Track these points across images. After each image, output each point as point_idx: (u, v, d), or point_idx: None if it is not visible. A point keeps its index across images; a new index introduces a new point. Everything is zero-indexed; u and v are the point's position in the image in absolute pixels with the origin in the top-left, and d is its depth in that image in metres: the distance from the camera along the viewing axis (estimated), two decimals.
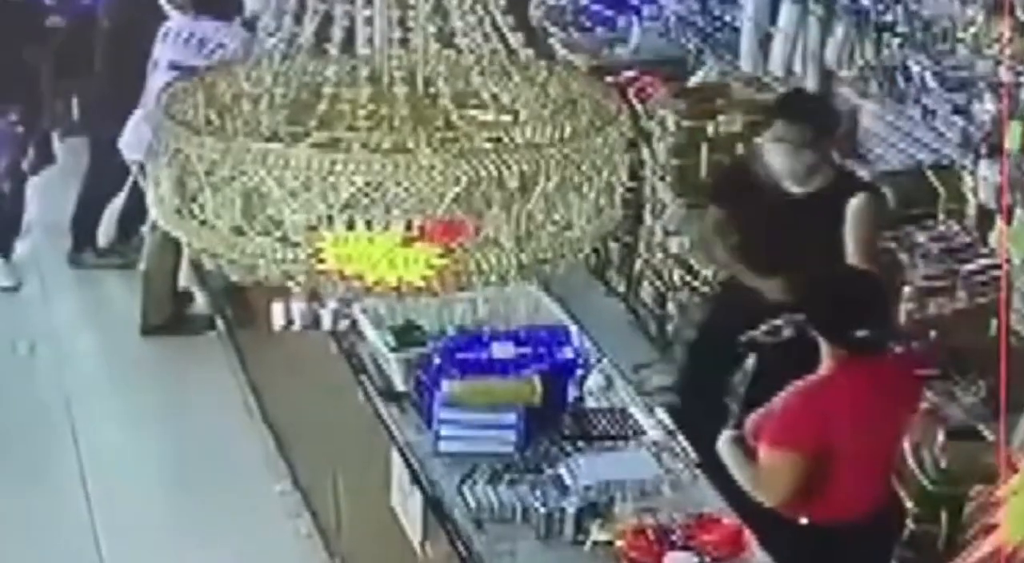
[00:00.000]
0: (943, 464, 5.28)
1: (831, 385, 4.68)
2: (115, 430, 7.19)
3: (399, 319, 5.31)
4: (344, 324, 5.50)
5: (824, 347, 4.68)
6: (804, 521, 4.75)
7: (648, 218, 7.67)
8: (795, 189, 5.87)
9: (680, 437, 4.98)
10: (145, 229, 8.04)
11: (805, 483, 4.63)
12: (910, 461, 5.37)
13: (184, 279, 8.10)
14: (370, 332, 5.33)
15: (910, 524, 5.36)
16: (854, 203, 5.76)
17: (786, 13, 7.40)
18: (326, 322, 5.56)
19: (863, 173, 6.56)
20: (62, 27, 9.58)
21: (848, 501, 4.73)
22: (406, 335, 5.24)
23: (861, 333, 4.63)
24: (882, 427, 4.77)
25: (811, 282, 4.98)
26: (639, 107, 7.57)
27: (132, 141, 7.69)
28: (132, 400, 7.47)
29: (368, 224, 3.16)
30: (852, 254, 5.71)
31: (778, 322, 4.87)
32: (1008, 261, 5.97)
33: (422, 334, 5.25)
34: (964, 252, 6.12)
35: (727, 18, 8.06)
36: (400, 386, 5.15)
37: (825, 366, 4.69)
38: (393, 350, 5.18)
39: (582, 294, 5.93)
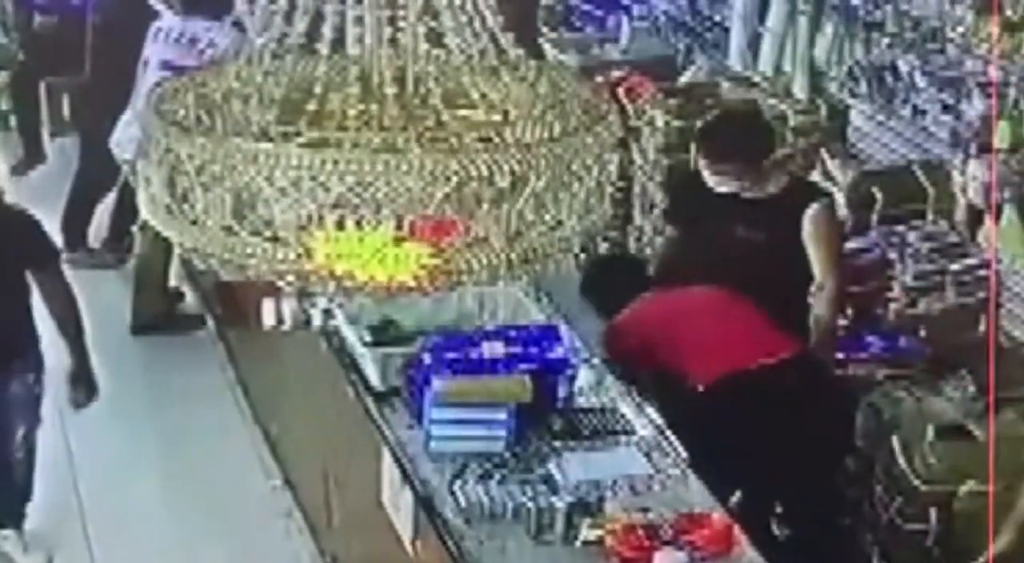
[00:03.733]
0: (932, 462, 5.29)
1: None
2: (105, 428, 7.17)
3: (377, 316, 5.32)
4: (334, 323, 5.51)
5: None
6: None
7: (638, 217, 7.68)
8: (747, 194, 5.81)
9: (670, 434, 4.99)
10: (135, 228, 8.04)
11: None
12: (900, 460, 5.38)
13: (174, 278, 8.11)
14: (346, 329, 5.34)
15: (899, 522, 5.38)
16: (811, 210, 5.71)
17: (775, 12, 7.42)
18: (316, 321, 5.56)
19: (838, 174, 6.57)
20: (52, 26, 9.60)
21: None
22: (383, 332, 5.25)
23: None
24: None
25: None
26: (629, 106, 7.57)
27: (123, 140, 7.69)
28: (122, 398, 7.45)
29: (358, 223, 3.17)
30: (816, 260, 5.68)
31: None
32: (997, 260, 5.99)
33: (399, 331, 5.26)
34: (953, 250, 6.14)
35: (716, 17, 8.08)
36: (377, 384, 5.15)
37: None
38: (368, 346, 5.19)
39: (572, 292, 5.93)
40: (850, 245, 6.16)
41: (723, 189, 5.80)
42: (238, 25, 7.27)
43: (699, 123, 6.52)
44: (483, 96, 3.48)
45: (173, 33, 7.65)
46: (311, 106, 3.34)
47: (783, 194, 5.81)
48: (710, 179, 5.82)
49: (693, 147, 6.41)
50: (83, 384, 6.08)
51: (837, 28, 6.98)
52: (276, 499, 6.57)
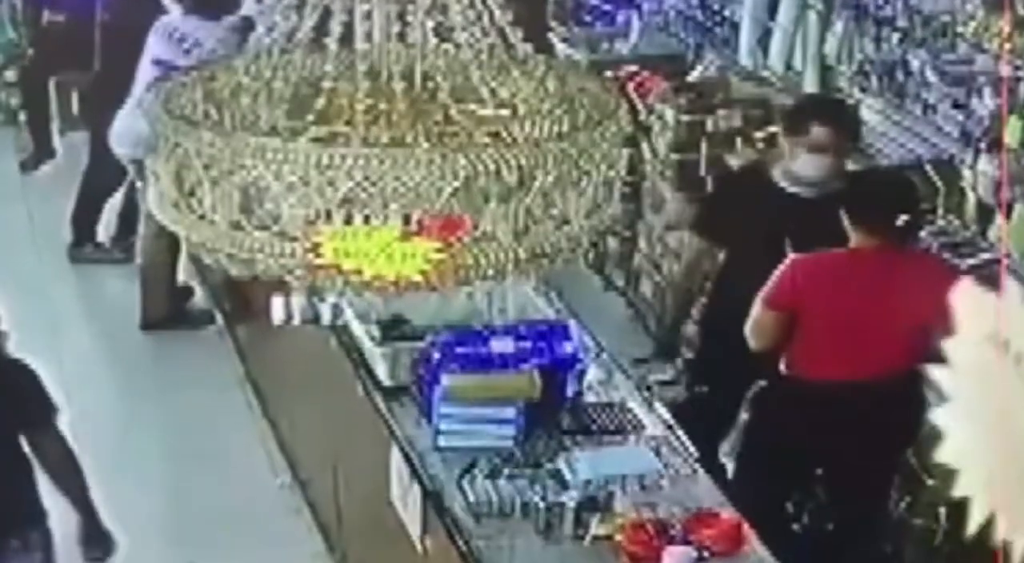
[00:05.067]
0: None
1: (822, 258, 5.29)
2: (114, 424, 7.19)
3: (387, 313, 5.32)
4: (343, 319, 5.51)
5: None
6: (783, 370, 5.34)
7: (648, 213, 7.68)
8: (806, 194, 5.73)
9: (679, 432, 4.99)
10: (141, 223, 8.05)
11: (783, 336, 5.28)
12: (910, 457, 5.37)
13: (184, 274, 8.12)
14: (356, 325, 5.34)
15: (909, 519, 5.37)
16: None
17: (785, 8, 7.41)
18: (325, 317, 5.57)
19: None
20: (61, 22, 9.61)
21: (820, 360, 5.26)
22: (392, 329, 5.25)
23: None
24: (867, 304, 5.15)
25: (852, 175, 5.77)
26: (638, 102, 7.57)
27: (121, 133, 7.71)
28: (131, 394, 7.48)
29: (366, 219, 3.17)
30: None
31: None
32: (1007, 256, 5.97)
33: (409, 328, 5.26)
34: (963, 247, 6.12)
35: (726, 13, 8.06)
36: (386, 380, 5.15)
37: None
38: (378, 343, 5.19)
39: (581, 289, 5.93)
40: None
41: (811, 171, 5.70)
42: (245, 24, 7.31)
43: None
44: (492, 92, 3.47)
45: (168, 30, 7.70)
46: (319, 102, 3.33)
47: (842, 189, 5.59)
48: (805, 161, 5.70)
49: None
50: (97, 542, 5.35)
51: (847, 24, 6.96)
52: (285, 495, 6.57)
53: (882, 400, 5.18)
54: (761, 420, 5.59)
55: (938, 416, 1.96)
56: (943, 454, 1.97)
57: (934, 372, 1.94)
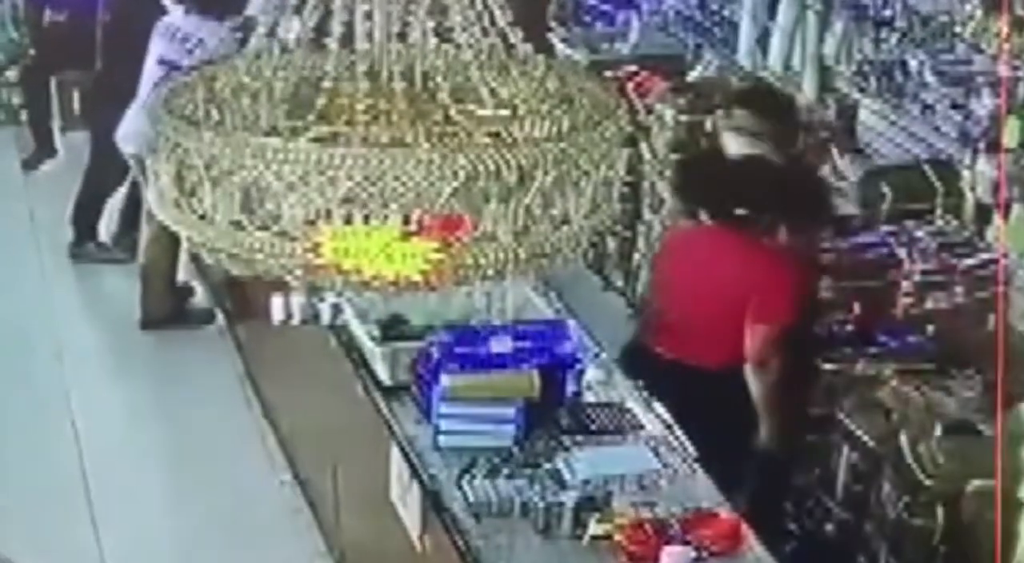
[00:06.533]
0: (939, 459, 5.28)
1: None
2: (115, 423, 7.20)
3: (386, 312, 5.32)
4: (342, 318, 5.52)
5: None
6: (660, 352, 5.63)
7: (647, 213, 7.68)
8: None
9: (678, 431, 5.00)
10: (143, 223, 8.06)
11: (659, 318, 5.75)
12: (907, 456, 5.38)
13: (184, 273, 8.13)
14: (355, 325, 5.35)
15: (906, 519, 5.37)
16: None
17: (784, 9, 7.41)
18: (325, 316, 5.57)
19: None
20: (63, 21, 9.62)
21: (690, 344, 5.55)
22: (392, 328, 5.26)
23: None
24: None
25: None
26: (638, 102, 7.57)
27: (129, 133, 7.73)
28: (132, 393, 7.49)
29: (366, 218, 3.17)
30: None
31: None
32: (1005, 256, 5.98)
33: (408, 327, 5.27)
34: (962, 247, 6.13)
35: (726, 13, 8.07)
36: (386, 380, 5.16)
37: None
38: (377, 342, 5.20)
39: (580, 289, 5.96)
40: (858, 241, 6.16)
41: (733, 150, 6.08)
42: (246, 23, 7.33)
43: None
44: (492, 92, 3.48)
45: (171, 30, 7.72)
46: (320, 101, 3.34)
47: None
48: (728, 138, 6.15)
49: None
50: None
51: (846, 24, 6.97)
52: (284, 494, 6.58)
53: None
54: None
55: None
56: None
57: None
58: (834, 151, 6.80)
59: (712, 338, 5.52)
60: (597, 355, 5.31)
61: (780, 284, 5.46)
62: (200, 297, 8.22)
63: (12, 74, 10.65)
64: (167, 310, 8.04)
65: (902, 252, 6.11)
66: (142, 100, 7.48)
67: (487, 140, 3.33)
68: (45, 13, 9.83)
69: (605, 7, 9.25)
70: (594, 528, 4.42)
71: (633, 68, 8.06)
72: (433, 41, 3.49)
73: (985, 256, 6.06)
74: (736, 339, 5.46)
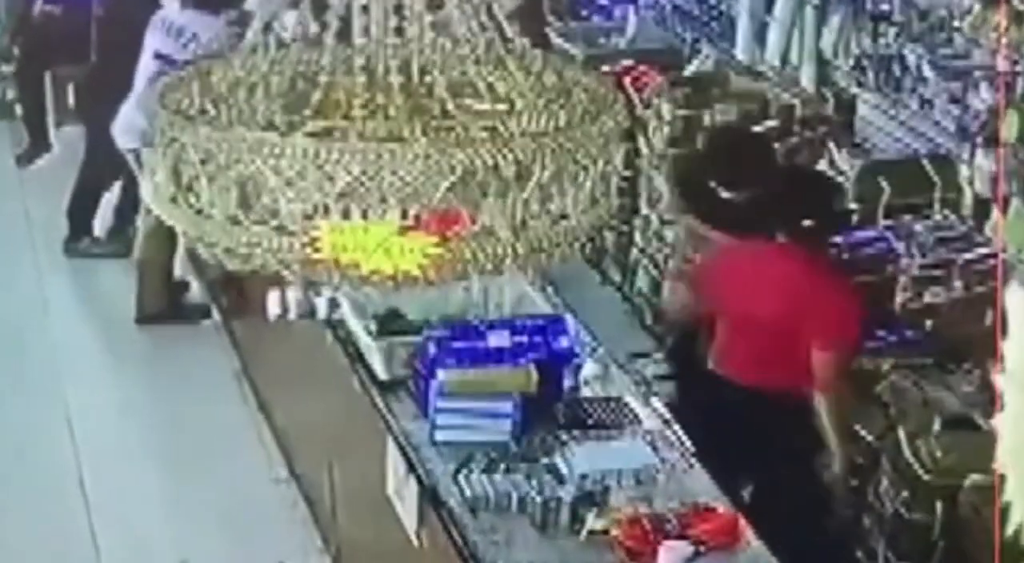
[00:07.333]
0: (938, 454, 5.28)
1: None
2: (110, 418, 7.19)
3: (383, 307, 5.31)
4: (339, 313, 5.51)
5: None
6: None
7: (644, 207, 7.67)
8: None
9: (676, 426, 4.99)
10: (139, 218, 8.05)
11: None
12: (906, 451, 5.37)
13: (180, 268, 8.11)
14: (352, 319, 5.34)
15: (905, 514, 5.37)
16: None
17: (782, 3, 7.41)
18: (321, 311, 5.56)
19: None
20: (54, 15, 9.60)
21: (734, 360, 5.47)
22: (389, 323, 5.25)
23: None
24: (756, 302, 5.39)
25: None
26: (635, 97, 7.56)
27: (124, 128, 7.72)
28: (127, 389, 7.47)
29: (364, 213, 3.16)
30: None
31: None
32: (1004, 250, 5.97)
33: (405, 322, 5.26)
34: (960, 242, 6.12)
35: (723, 7, 8.07)
36: (383, 374, 5.15)
37: None
38: (374, 337, 5.19)
39: (578, 283, 5.95)
40: (857, 236, 6.16)
41: None
42: (243, 18, 7.32)
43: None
44: (489, 86, 3.47)
45: (166, 24, 7.71)
46: (316, 96, 3.33)
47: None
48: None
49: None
50: None
51: (844, 18, 6.96)
52: (281, 489, 6.57)
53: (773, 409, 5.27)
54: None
55: (996, 420, 1.97)
56: (998, 456, 1.97)
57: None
58: (832, 145, 6.79)
59: (777, 363, 5.35)
60: (594, 350, 5.30)
61: (846, 309, 5.32)
62: (195, 292, 8.20)
63: (6, 68, 10.63)
64: (162, 305, 8.03)
65: (900, 246, 6.11)
66: (137, 94, 7.47)
67: (484, 135, 3.32)
68: (35, 4, 9.79)
69: (602, 1, 9.24)
70: (592, 523, 4.42)
71: (630, 62, 8.05)
72: (430, 35, 3.48)
73: (983, 250, 6.06)
74: (800, 363, 5.26)
